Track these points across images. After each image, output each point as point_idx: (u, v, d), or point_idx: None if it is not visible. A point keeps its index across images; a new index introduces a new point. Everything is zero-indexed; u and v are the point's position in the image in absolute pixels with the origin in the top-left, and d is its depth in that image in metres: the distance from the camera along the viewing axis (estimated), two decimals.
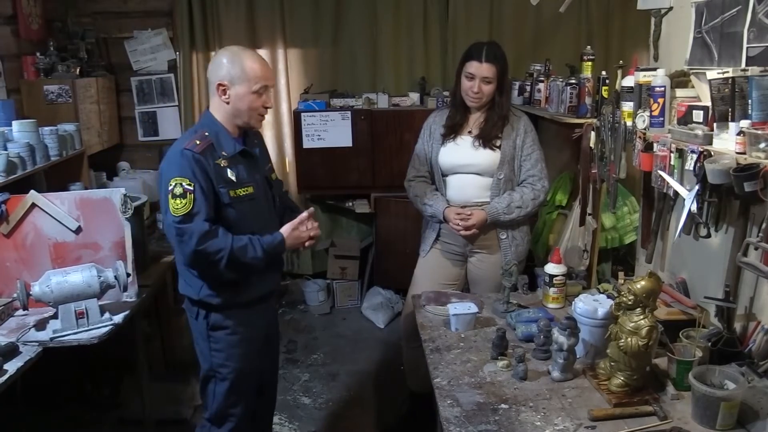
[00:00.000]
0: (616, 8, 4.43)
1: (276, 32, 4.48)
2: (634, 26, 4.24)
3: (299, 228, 2.24)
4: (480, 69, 2.64)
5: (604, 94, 2.58)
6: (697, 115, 1.96)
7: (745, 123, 1.71)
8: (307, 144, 4.34)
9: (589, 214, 2.80)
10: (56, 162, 3.26)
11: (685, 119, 2.01)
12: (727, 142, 1.79)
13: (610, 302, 1.95)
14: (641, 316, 1.75)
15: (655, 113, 2.11)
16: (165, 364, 3.64)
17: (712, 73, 1.83)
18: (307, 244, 2.28)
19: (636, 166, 2.26)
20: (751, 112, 1.72)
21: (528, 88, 3.48)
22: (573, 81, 2.90)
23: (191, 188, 2.04)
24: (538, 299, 2.51)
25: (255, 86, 2.12)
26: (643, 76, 2.20)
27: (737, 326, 1.96)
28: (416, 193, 2.85)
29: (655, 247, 2.41)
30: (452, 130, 2.78)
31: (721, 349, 1.87)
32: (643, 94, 2.19)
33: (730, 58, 1.92)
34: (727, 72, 1.79)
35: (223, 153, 2.15)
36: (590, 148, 2.58)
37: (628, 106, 2.29)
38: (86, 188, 3.38)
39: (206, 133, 2.15)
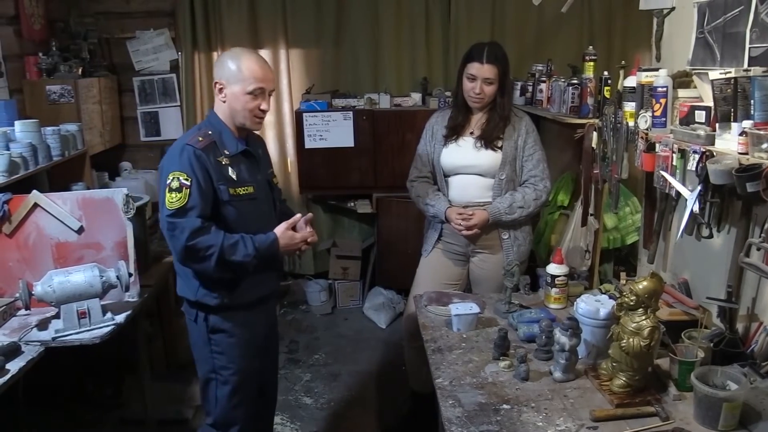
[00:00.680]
0: (618, 8, 4.42)
1: (278, 32, 4.49)
2: (636, 26, 4.24)
3: (293, 229, 2.22)
4: (481, 70, 2.64)
5: (606, 94, 2.58)
6: (700, 116, 1.96)
7: (747, 123, 1.71)
8: (309, 144, 4.34)
9: (591, 215, 2.80)
10: (58, 162, 3.27)
11: (688, 119, 2.01)
12: (730, 143, 1.79)
13: (612, 303, 1.95)
14: (643, 317, 1.75)
15: (658, 113, 2.11)
16: (167, 364, 3.64)
17: (715, 74, 1.82)
18: (303, 248, 2.27)
19: (638, 166, 2.26)
20: (754, 113, 1.72)
21: (530, 89, 3.48)
22: (575, 81, 2.90)
23: (188, 183, 2.04)
24: (540, 300, 2.51)
25: (249, 87, 2.11)
26: (645, 77, 2.20)
27: (739, 327, 1.95)
28: (418, 193, 2.85)
29: (657, 247, 2.40)
30: (454, 131, 2.78)
31: (724, 350, 1.87)
32: (645, 95, 2.19)
33: (732, 58, 1.91)
34: (730, 72, 1.79)
35: (225, 151, 2.16)
36: (592, 148, 2.58)
37: (630, 107, 2.29)
38: (88, 188, 3.38)
39: (209, 132, 2.16)
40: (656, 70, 2.17)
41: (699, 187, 1.90)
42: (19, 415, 2.96)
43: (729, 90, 1.79)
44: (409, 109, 4.34)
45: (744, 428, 1.63)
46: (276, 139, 4.68)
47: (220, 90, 2.15)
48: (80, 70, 3.86)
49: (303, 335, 4.27)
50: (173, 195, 2.04)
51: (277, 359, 2.64)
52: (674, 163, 2.02)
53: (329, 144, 4.33)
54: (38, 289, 2.45)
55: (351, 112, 4.30)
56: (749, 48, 1.84)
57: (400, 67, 4.57)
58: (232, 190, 2.14)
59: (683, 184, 2.00)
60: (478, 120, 2.77)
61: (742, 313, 1.96)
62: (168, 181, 2.06)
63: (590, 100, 2.76)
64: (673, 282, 2.29)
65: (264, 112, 2.19)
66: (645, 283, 1.76)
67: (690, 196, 1.94)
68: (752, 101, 1.72)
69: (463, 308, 2.27)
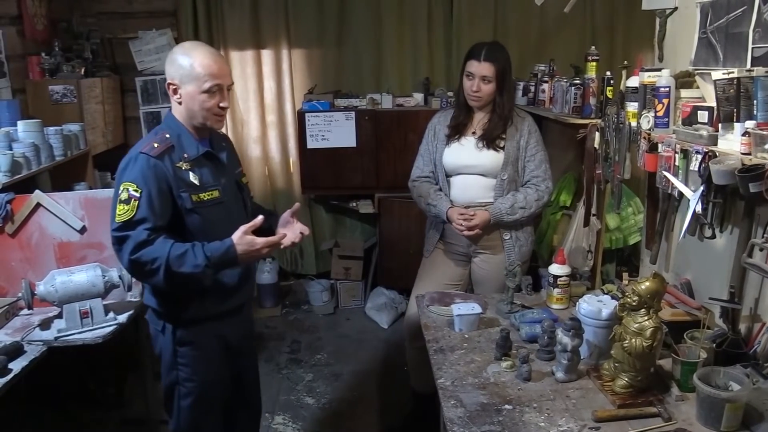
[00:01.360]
0: (621, 8, 4.42)
1: (280, 33, 4.49)
2: (638, 26, 4.24)
3: (251, 234, 1.98)
4: (479, 68, 2.65)
5: (609, 94, 2.58)
6: (702, 116, 1.95)
7: (750, 123, 1.71)
8: (311, 144, 4.34)
9: (594, 215, 2.80)
10: (61, 162, 3.27)
11: (690, 120, 2.01)
12: (732, 143, 1.79)
13: (615, 303, 1.95)
14: (645, 317, 1.75)
15: (660, 114, 2.10)
16: None
17: (717, 74, 1.82)
18: (265, 252, 2.03)
19: (640, 166, 2.25)
20: (757, 113, 1.71)
21: (532, 89, 3.47)
22: (577, 81, 2.89)
23: (137, 195, 1.91)
24: (542, 300, 2.50)
25: (205, 85, 1.96)
26: (647, 77, 2.19)
27: (742, 327, 1.95)
28: (420, 193, 2.85)
29: (660, 247, 2.40)
30: (456, 131, 2.78)
31: (726, 351, 1.86)
32: (647, 95, 2.19)
33: (735, 58, 1.91)
34: (733, 72, 1.79)
35: (185, 155, 2.01)
36: (594, 148, 2.58)
37: (632, 107, 2.29)
38: (91, 188, 3.39)
39: (167, 135, 2.02)
40: (659, 70, 2.16)
41: (701, 188, 1.90)
42: (22, 415, 2.97)
43: (732, 90, 1.78)
44: (412, 109, 4.35)
45: (746, 429, 1.62)
46: (278, 139, 4.69)
47: (174, 91, 2.00)
48: (83, 70, 3.86)
49: (305, 335, 4.27)
50: (122, 207, 1.91)
51: (256, 368, 2.49)
52: (677, 163, 2.02)
53: (331, 144, 4.34)
54: (41, 288, 2.45)
55: (353, 113, 4.30)
56: (752, 48, 1.83)
57: (403, 67, 4.58)
58: (195, 196, 2.00)
59: (686, 184, 2.00)
60: (480, 120, 2.77)
61: (745, 313, 1.95)
62: (119, 192, 1.93)
63: (593, 101, 2.76)
64: (675, 282, 2.29)
65: (224, 109, 2.04)
66: (647, 283, 1.75)
67: (692, 196, 1.94)
68: (755, 101, 1.72)
69: (465, 308, 2.27)
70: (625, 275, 2.44)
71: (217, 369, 2.18)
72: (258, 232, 2.02)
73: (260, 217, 2.01)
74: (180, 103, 2.02)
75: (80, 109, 3.72)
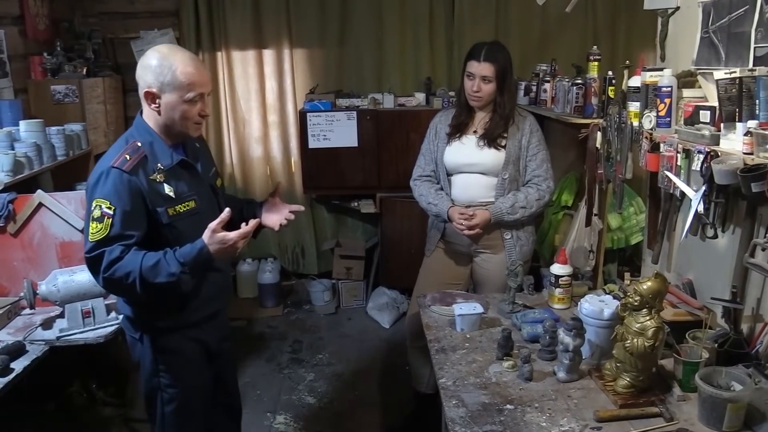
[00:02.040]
0: (623, 8, 4.42)
1: (282, 32, 4.49)
2: (640, 26, 4.23)
3: (221, 230, 1.87)
4: (479, 68, 2.65)
5: (611, 94, 2.58)
6: (704, 116, 1.95)
7: (752, 123, 1.71)
8: (312, 144, 4.34)
9: (595, 215, 2.79)
10: (63, 162, 3.28)
11: (692, 119, 2.00)
12: (735, 143, 1.78)
13: (616, 303, 1.94)
14: (647, 317, 1.75)
15: (662, 113, 2.10)
16: None
17: (720, 73, 1.82)
18: (240, 244, 1.91)
19: (642, 166, 2.25)
20: (759, 113, 1.71)
21: (534, 88, 3.47)
22: (579, 81, 2.89)
23: (110, 212, 1.82)
24: (543, 300, 2.50)
25: (189, 95, 1.88)
26: (649, 76, 2.19)
27: (744, 327, 1.95)
28: (421, 192, 2.85)
29: (662, 247, 2.40)
30: (458, 130, 2.78)
31: (728, 351, 1.86)
32: (649, 95, 2.19)
33: (737, 58, 1.91)
34: (735, 72, 1.79)
35: (159, 166, 1.92)
36: (596, 148, 2.58)
37: (634, 107, 2.29)
38: None
39: (138, 144, 1.91)
40: (661, 69, 2.16)
41: (703, 188, 1.89)
42: (24, 414, 2.97)
43: (734, 90, 1.78)
44: (413, 108, 4.35)
45: (748, 429, 1.62)
46: (280, 139, 4.69)
47: (153, 99, 1.90)
48: (85, 70, 3.87)
49: (306, 335, 4.28)
50: (95, 225, 1.83)
51: (235, 369, 2.45)
52: (679, 163, 2.02)
53: (333, 144, 4.34)
54: (43, 288, 2.46)
55: (355, 112, 4.30)
56: (754, 48, 1.83)
57: (404, 67, 4.58)
58: (171, 210, 1.92)
59: (688, 184, 2.00)
60: (481, 119, 2.77)
61: (747, 313, 1.95)
62: (91, 209, 1.85)
63: (594, 100, 2.75)
64: (677, 282, 2.29)
65: (204, 117, 1.97)
66: (649, 283, 1.75)
67: (694, 196, 1.94)
68: (757, 101, 1.72)
69: (466, 308, 2.27)
70: (627, 275, 2.43)
71: (198, 373, 2.15)
72: (232, 225, 1.93)
73: (227, 211, 1.90)
74: (159, 112, 1.92)
75: (82, 109, 3.72)
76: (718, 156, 1.81)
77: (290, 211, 2.22)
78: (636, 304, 1.76)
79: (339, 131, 4.32)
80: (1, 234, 2.74)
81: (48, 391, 3.12)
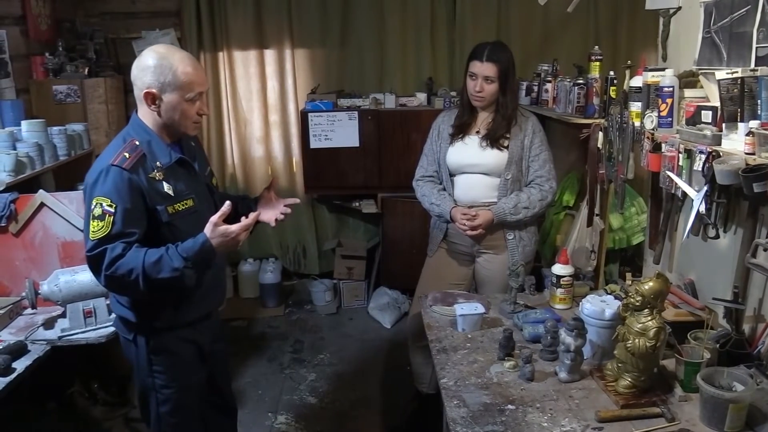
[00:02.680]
0: (625, 8, 4.42)
1: (283, 32, 4.49)
2: (642, 26, 4.23)
3: (222, 223, 1.89)
4: (481, 68, 2.65)
5: (612, 94, 2.57)
6: (706, 116, 1.95)
7: (754, 123, 1.70)
8: (314, 144, 4.35)
9: (597, 215, 2.79)
10: (65, 162, 3.28)
11: (694, 119, 2.00)
12: (736, 143, 1.78)
13: (618, 303, 1.94)
14: (649, 318, 1.75)
15: (664, 113, 2.10)
16: None
17: (721, 74, 1.82)
18: (243, 237, 1.93)
19: (644, 166, 2.25)
20: (761, 113, 1.71)
21: (535, 89, 3.47)
22: (581, 81, 2.89)
23: (111, 210, 1.81)
24: (545, 300, 2.50)
25: (189, 94, 1.89)
26: (651, 77, 2.19)
27: (746, 328, 1.95)
28: (424, 192, 2.85)
29: (663, 248, 2.40)
30: (460, 130, 2.78)
31: (730, 351, 1.86)
32: (651, 95, 2.19)
33: (739, 58, 1.91)
34: (737, 72, 1.78)
35: (158, 164, 1.92)
36: (598, 148, 2.58)
37: (636, 107, 2.29)
38: None
39: (137, 143, 1.91)
40: (662, 69, 2.16)
41: (705, 188, 1.89)
42: (26, 414, 2.97)
43: (736, 90, 1.78)
44: (414, 109, 4.35)
45: (750, 429, 1.62)
46: (281, 139, 4.70)
47: (153, 100, 1.89)
48: (86, 70, 3.87)
49: (308, 335, 4.28)
50: (95, 224, 1.82)
51: (228, 371, 2.47)
52: (680, 163, 2.02)
53: (334, 144, 4.34)
54: (44, 288, 2.46)
55: (356, 112, 4.30)
56: (756, 48, 1.83)
57: (406, 67, 4.58)
58: (170, 208, 1.92)
59: (689, 184, 1.99)
60: (484, 119, 2.76)
61: (749, 314, 1.95)
62: (92, 208, 1.84)
63: (596, 100, 2.75)
64: (679, 283, 2.28)
65: (203, 116, 1.98)
66: (651, 283, 1.75)
67: (696, 196, 1.93)
68: (759, 101, 1.71)
69: (468, 308, 2.27)
70: (629, 275, 2.43)
71: (192, 374, 2.15)
72: (227, 222, 1.93)
73: (227, 203, 1.91)
74: (158, 113, 1.92)
75: (84, 109, 3.73)
76: (719, 156, 1.81)
77: (286, 205, 2.23)
78: (637, 304, 1.76)
79: (340, 131, 4.32)
80: (2, 234, 2.74)
81: (49, 390, 3.12)
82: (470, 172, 2.76)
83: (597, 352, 1.99)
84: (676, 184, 2.04)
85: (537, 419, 1.71)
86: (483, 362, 2.04)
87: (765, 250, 1.78)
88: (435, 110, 4.03)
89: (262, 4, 4.44)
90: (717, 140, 1.86)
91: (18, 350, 2.30)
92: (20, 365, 2.23)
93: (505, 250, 2.78)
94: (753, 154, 1.70)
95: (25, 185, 2.87)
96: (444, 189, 2.83)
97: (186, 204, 1.97)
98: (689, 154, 1.98)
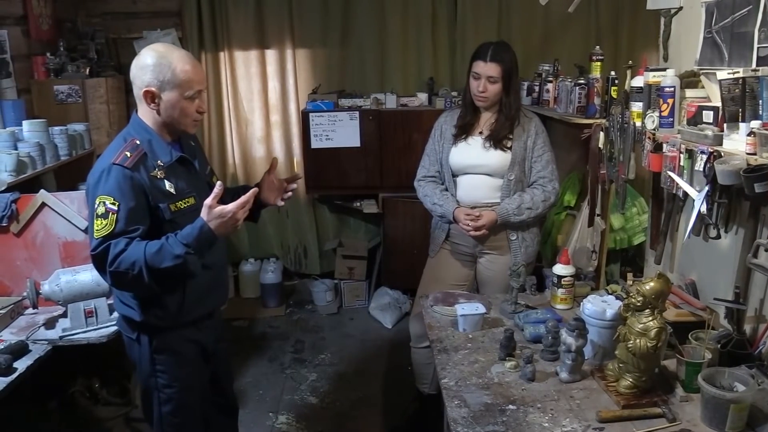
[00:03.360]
0: (626, 8, 4.41)
1: (284, 33, 4.50)
2: (643, 26, 4.23)
3: (217, 205, 1.88)
4: (485, 68, 2.65)
5: (614, 94, 2.57)
6: (707, 116, 1.95)
7: (755, 123, 1.70)
8: (315, 144, 4.35)
9: (598, 215, 2.79)
10: (66, 162, 3.28)
11: (695, 120, 2.00)
12: (738, 143, 1.78)
13: (619, 303, 1.94)
14: (650, 318, 1.74)
15: (665, 114, 2.10)
16: None
17: (723, 74, 1.82)
18: (240, 216, 1.91)
19: (645, 166, 2.25)
20: (762, 113, 1.71)
21: (536, 89, 3.47)
22: (582, 81, 2.89)
23: (114, 208, 1.83)
24: (546, 300, 2.50)
25: (188, 92, 1.90)
26: (652, 77, 2.19)
27: (747, 328, 1.95)
28: (426, 193, 2.85)
29: (664, 248, 2.39)
30: (463, 131, 2.77)
31: (731, 351, 1.86)
32: (652, 95, 2.19)
33: (740, 58, 1.90)
34: (738, 72, 1.78)
35: (159, 162, 1.94)
36: (599, 148, 2.58)
37: (637, 107, 2.29)
38: None
39: (137, 142, 1.93)
40: (663, 70, 2.16)
41: (706, 188, 1.89)
42: (27, 414, 2.98)
43: (737, 90, 1.78)
44: (416, 109, 4.34)
45: (751, 430, 1.62)
46: (282, 139, 4.70)
47: (152, 98, 1.91)
48: (88, 70, 3.88)
49: (309, 335, 4.28)
50: (100, 222, 1.83)
51: (230, 371, 2.48)
52: (682, 163, 2.02)
53: (335, 144, 4.34)
54: (46, 288, 2.46)
55: (357, 112, 4.30)
56: (757, 48, 1.83)
57: (407, 67, 4.58)
58: (173, 206, 1.93)
59: (690, 184, 1.99)
60: (486, 120, 2.76)
61: (750, 314, 1.95)
62: (95, 207, 1.85)
63: (597, 100, 2.75)
64: (680, 283, 2.28)
65: (202, 114, 1.99)
66: (652, 283, 1.75)
67: (697, 196, 1.93)
68: (760, 101, 1.71)
69: (469, 308, 2.27)
70: (630, 275, 2.43)
71: (195, 373, 2.16)
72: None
73: (219, 184, 1.91)
74: (158, 111, 1.93)
75: (85, 109, 3.73)
76: (721, 156, 1.81)
77: (288, 182, 2.24)
78: (639, 304, 1.76)
79: (341, 131, 4.32)
80: (4, 234, 2.75)
81: (51, 390, 3.12)
82: (473, 172, 2.75)
83: (598, 353, 1.99)
84: (677, 184, 2.04)
85: (538, 419, 1.71)
86: (484, 362, 2.04)
87: (766, 250, 1.77)
88: (436, 110, 4.03)
89: (263, 4, 4.44)
90: (718, 140, 1.86)
91: (19, 350, 2.30)
92: (21, 365, 2.23)
93: (508, 250, 2.77)
94: (754, 154, 1.69)
95: (27, 185, 2.87)
96: (446, 189, 2.83)
97: (188, 202, 1.98)
98: (690, 155, 1.98)
